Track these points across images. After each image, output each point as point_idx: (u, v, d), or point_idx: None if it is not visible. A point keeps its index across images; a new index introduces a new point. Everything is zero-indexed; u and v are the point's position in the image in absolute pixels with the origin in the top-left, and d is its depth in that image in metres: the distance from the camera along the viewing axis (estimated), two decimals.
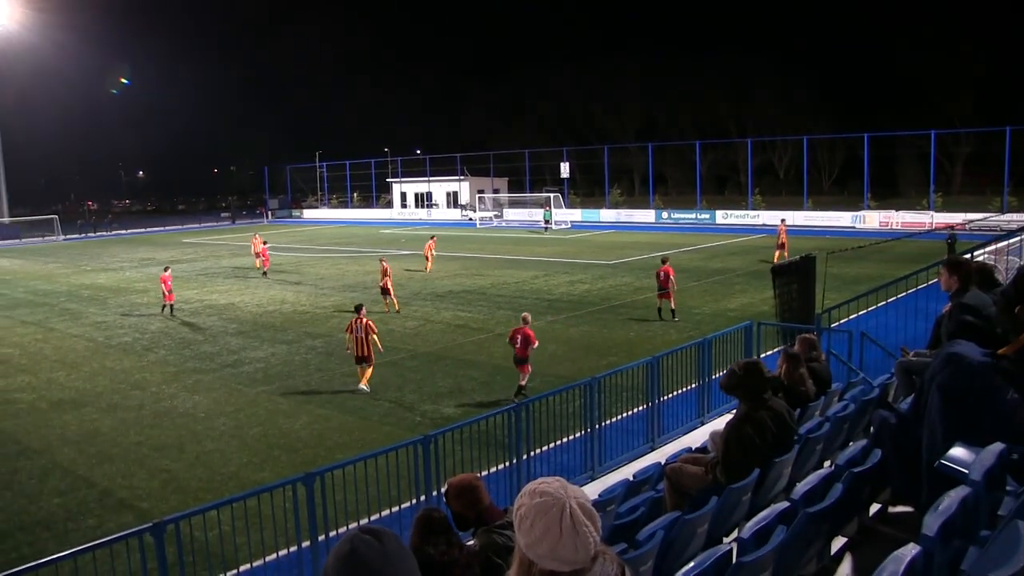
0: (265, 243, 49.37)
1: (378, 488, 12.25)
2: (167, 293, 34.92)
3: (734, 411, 10.11)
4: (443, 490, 6.63)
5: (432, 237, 50.92)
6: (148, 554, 10.02)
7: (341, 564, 2.74)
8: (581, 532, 2.85)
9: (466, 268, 48.38)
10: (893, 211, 67.63)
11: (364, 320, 22.13)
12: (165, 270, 36.22)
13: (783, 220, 52.17)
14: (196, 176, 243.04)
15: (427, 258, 48.71)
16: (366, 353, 21.87)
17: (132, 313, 36.23)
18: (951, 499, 5.01)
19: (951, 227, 44.03)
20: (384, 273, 34.61)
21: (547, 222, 79.33)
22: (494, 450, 14.78)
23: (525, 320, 21.60)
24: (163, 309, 35.36)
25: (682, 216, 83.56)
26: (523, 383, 21.26)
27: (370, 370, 22.08)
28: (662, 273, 30.52)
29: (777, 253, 44.34)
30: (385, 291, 34.39)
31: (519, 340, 21.17)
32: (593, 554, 2.91)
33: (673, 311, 30.61)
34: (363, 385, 21.77)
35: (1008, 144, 69.61)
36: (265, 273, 47.76)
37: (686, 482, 8.87)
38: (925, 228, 57.08)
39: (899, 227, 65.21)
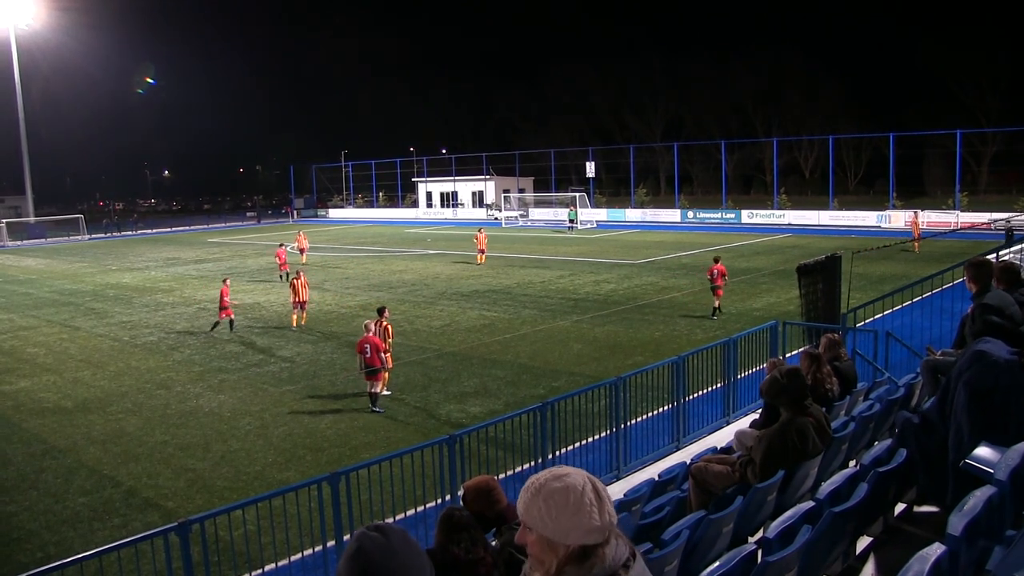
0: (281, 245, 48.75)
1: (403, 488, 12.28)
2: (225, 308, 31.20)
3: (759, 411, 10.11)
4: (460, 494, 6.63)
5: (480, 230, 52.76)
6: (173, 553, 10.05)
7: (350, 562, 2.75)
8: (604, 499, 2.99)
9: (492, 267, 48.44)
10: (919, 210, 67.36)
11: (384, 324, 22.06)
12: (224, 281, 32.25)
13: (916, 213, 54.53)
14: (222, 176, 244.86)
15: (481, 251, 50.92)
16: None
17: (157, 312, 36.36)
18: (976, 499, 5.00)
19: (1008, 222, 44.00)
20: (302, 285, 31.67)
21: (572, 222, 79.32)
22: (519, 450, 14.78)
23: (367, 328, 21.31)
24: (223, 324, 31.62)
25: (708, 216, 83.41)
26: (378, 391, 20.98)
27: (386, 374, 21.82)
28: (715, 271, 30.90)
29: (916, 244, 47.55)
30: (301, 304, 31.73)
31: (368, 349, 20.69)
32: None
33: (717, 308, 30.91)
34: (384, 391, 21.60)
35: None
36: (283, 277, 46.83)
37: (711, 481, 8.86)
38: (950, 228, 56.77)
39: (925, 227, 64.87)
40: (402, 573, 2.75)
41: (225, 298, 31.13)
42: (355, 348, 21.52)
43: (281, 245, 48.27)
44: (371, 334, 20.94)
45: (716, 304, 31.00)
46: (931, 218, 66.72)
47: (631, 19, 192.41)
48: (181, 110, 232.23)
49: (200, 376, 24.54)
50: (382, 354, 20.98)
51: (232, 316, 31.56)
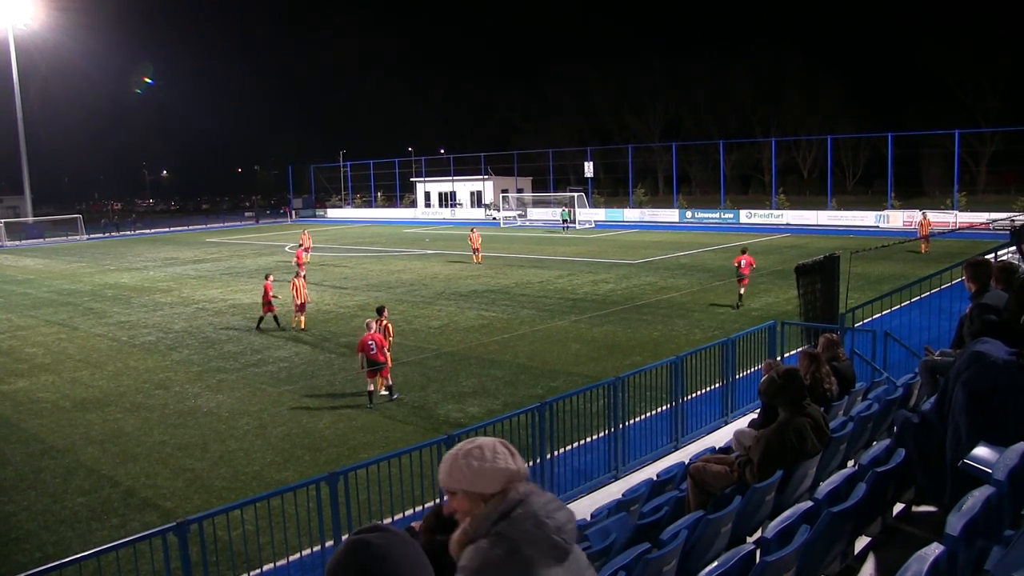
0: (300, 245, 49.08)
1: (401, 488, 12.27)
2: (267, 303, 31.30)
3: (757, 411, 10.10)
4: None
5: (472, 229, 52.80)
6: (172, 553, 10.05)
7: (350, 556, 2.75)
8: (514, 452, 3.48)
9: (490, 267, 48.46)
10: (917, 211, 67.22)
11: (384, 323, 22.08)
12: (267, 277, 32.27)
13: (924, 213, 54.04)
14: (220, 176, 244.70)
15: (476, 250, 51.34)
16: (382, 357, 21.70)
17: (156, 312, 36.34)
18: (975, 499, 5.00)
19: (1012, 222, 44.12)
20: (301, 286, 31.60)
21: (566, 221, 79.38)
22: (517, 450, 14.76)
23: (368, 327, 21.55)
24: (260, 322, 31.76)
25: (706, 215, 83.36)
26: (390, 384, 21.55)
27: (380, 375, 21.81)
28: (743, 261, 32.56)
29: (923, 245, 47.94)
30: (300, 306, 31.49)
31: (373, 346, 20.95)
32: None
33: (740, 298, 32.61)
34: (383, 391, 21.58)
35: None
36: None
37: (710, 481, 8.86)
38: (948, 228, 56.76)
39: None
40: (400, 571, 2.75)
41: (268, 293, 31.15)
42: (356, 348, 21.54)
43: (300, 245, 48.52)
44: (373, 332, 21.12)
45: (742, 292, 32.69)
46: (930, 218, 66.69)
47: (631, 19, 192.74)
48: (179, 110, 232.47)
49: (198, 376, 24.53)
50: (386, 350, 21.14)
51: (275, 312, 31.50)
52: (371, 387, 20.92)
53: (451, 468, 3.39)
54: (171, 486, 16.10)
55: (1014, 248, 19.86)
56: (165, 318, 34.84)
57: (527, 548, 3.15)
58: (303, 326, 31.08)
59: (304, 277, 32.29)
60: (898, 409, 10.25)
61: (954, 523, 4.69)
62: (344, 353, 26.53)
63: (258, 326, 31.63)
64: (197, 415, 20.63)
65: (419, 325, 30.81)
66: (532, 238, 70.51)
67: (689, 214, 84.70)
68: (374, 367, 20.83)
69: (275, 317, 31.55)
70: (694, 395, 16.91)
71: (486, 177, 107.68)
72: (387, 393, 21.28)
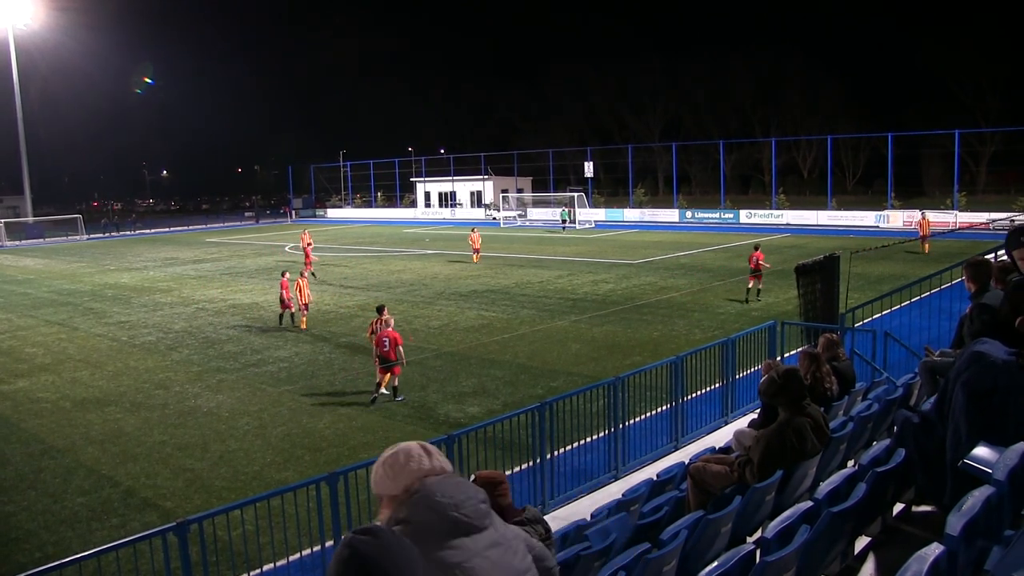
0: (309, 244, 49.11)
1: None
2: (286, 300, 31.58)
3: (757, 411, 10.09)
4: (471, 480, 6.62)
5: (473, 229, 52.90)
6: (172, 553, 10.04)
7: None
8: (433, 452, 3.57)
9: (490, 267, 48.44)
10: (917, 211, 67.13)
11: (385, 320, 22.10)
12: (283, 275, 32.84)
13: (924, 213, 53.39)
14: (220, 176, 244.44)
15: (476, 250, 51.60)
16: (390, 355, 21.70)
17: (156, 312, 36.32)
18: (975, 499, 4.99)
19: (1012, 221, 44.07)
20: (304, 285, 31.74)
21: (564, 221, 79.45)
22: (518, 450, 14.78)
23: (387, 323, 21.73)
24: (285, 318, 31.95)
25: (706, 215, 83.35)
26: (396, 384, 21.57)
27: (391, 373, 21.83)
28: (755, 258, 33.62)
29: (926, 246, 47.67)
30: (305, 306, 31.56)
31: (387, 343, 21.13)
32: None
33: (756, 290, 33.94)
34: (384, 390, 21.55)
35: None
36: (313, 274, 45.37)
37: (710, 481, 8.86)
38: (948, 228, 56.70)
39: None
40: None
41: (284, 291, 31.36)
42: (373, 341, 21.72)
43: (308, 244, 48.54)
44: (390, 329, 21.33)
45: (750, 286, 33.98)
46: (930, 218, 66.62)
47: (631, 19, 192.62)
48: (179, 110, 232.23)
49: (198, 376, 24.52)
50: (400, 348, 21.21)
51: (292, 309, 31.74)
52: (378, 379, 21.12)
53: (374, 477, 3.54)
54: (171, 486, 16.10)
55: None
56: (165, 318, 34.83)
57: (421, 526, 3.28)
58: (303, 326, 31.07)
59: (311, 275, 32.36)
60: (898, 409, 10.24)
61: (954, 523, 4.69)
62: (344, 353, 26.54)
63: (291, 322, 31.83)
64: (197, 415, 20.63)
65: (419, 325, 30.79)
66: (532, 238, 70.51)
67: (689, 214, 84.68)
68: (386, 364, 20.90)
69: (282, 316, 31.77)
70: (694, 395, 16.91)
71: (486, 177, 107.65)
72: (388, 392, 21.29)
